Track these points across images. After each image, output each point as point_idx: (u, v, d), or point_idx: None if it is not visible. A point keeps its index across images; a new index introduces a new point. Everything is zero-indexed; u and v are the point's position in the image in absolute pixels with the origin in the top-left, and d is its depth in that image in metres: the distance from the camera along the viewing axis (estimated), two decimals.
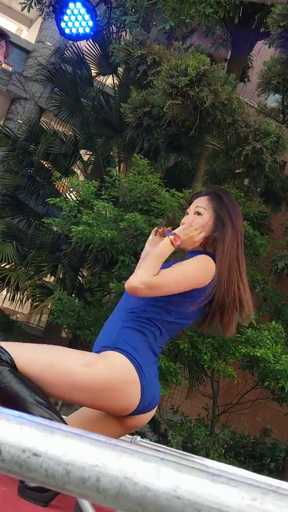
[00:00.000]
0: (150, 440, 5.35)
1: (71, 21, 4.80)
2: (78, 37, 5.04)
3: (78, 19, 4.79)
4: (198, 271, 2.23)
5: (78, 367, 2.04)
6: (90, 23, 4.85)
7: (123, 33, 9.76)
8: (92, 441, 0.57)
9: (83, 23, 4.83)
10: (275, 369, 5.91)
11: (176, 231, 2.29)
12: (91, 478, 0.56)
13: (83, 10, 4.80)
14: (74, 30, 4.87)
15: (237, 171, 7.97)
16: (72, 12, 4.77)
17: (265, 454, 7.47)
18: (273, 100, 8.45)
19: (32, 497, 1.91)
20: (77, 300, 7.90)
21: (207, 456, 6.05)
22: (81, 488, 0.57)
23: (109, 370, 2.08)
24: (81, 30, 4.89)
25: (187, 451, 5.38)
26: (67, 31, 4.88)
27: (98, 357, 2.13)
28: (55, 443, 0.55)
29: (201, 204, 2.41)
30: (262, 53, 10.28)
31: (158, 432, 7.54)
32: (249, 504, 0.49)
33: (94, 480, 0.56)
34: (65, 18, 4.79)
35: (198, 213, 2.38)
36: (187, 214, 2.43)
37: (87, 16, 4.81)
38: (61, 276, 9.68)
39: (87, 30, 4.92)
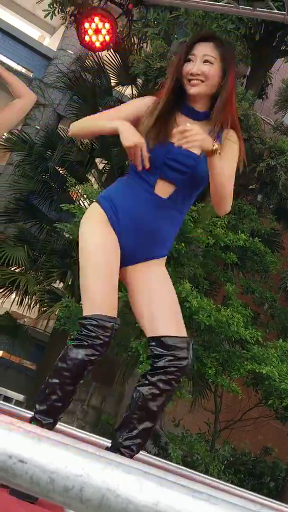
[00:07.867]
0: (150, 452, 5.32)
1: (91, 31, 4.85)
2: (97, 48, 5.08)
3: (99, 30, 4.84)
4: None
5: None
6: (111, 35, 4.89)
7: (144, 44, 9.82)
8: (78, 451, 0.58)
9: (104, 34, 4.88)
10: (280, 388, 5.88)
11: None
12: (74, 487, 0.57)
13: (104, 21, 4.85)
14: (94, 40, 4.92)
15: (250, 187, 7.97)
16: (93, 22, 4.82)
17: (265, 473, 7.40)
18: None
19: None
20: None
21: (206, 471, 6.01)
22: (64, 496, 0.58)
23: None
24: (101, 41, 4.94)
25: (186, 465, 5.35)
26: (87, 40, 4.92)
27: None
28: (42, 451, 0.56)
29: (210, 52, 2.30)
30: (282, 71, 10.30)
31: (158, 445, 7.50)
32: None
33: (77, 490, 0.56)
34: (86, 27, 4.84)
35: (208, 62, 2.28)
36: (191, 62, 2.29)
37: (107, 27, 4.86)
38: (70, 283, 9.70)
39: (107, 41, 4.95)
